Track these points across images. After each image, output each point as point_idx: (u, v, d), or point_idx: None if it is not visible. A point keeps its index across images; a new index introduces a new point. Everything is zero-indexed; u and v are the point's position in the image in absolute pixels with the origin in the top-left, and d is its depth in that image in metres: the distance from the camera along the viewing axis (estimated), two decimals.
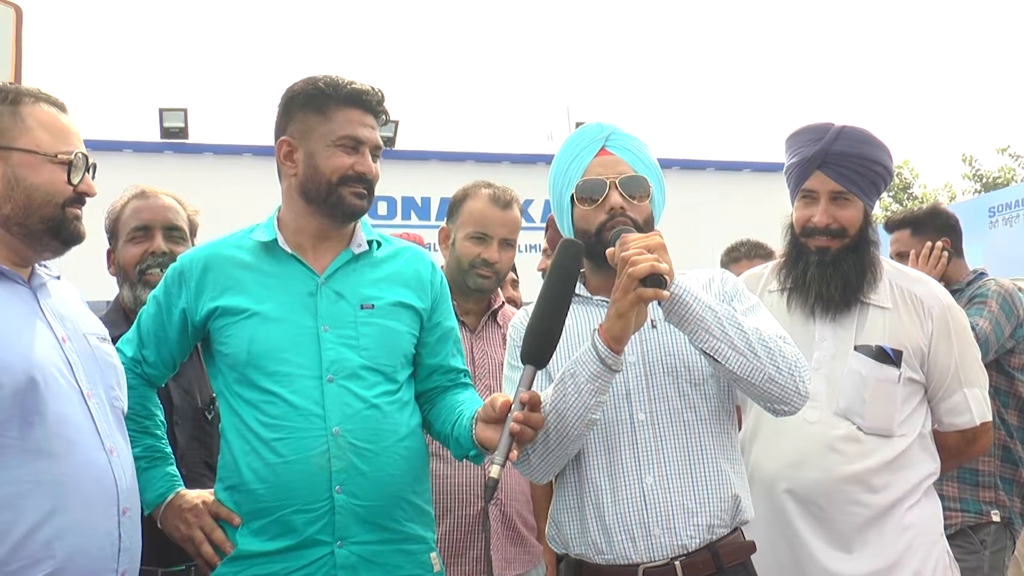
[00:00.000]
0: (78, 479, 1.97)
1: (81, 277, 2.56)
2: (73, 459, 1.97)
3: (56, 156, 2.09)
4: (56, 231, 2.10)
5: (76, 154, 2.11)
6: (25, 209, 2.07)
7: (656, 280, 2.06)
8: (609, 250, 2.20)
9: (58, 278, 2.24)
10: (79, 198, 2.14)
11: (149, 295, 2.52)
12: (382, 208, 12.84)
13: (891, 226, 4.36)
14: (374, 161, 2.42)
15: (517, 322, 2.42)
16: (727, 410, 2.36)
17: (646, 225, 2.32)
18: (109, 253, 2.96)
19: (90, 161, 2.16)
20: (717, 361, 2.18)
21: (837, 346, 2.84)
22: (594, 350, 2.14)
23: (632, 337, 2.20)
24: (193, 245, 2.96)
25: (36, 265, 2.16)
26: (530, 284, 3.80)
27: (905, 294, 2.89)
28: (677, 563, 2.22)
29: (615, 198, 2.30)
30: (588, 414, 2.17)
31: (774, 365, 2.19)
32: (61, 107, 2.17)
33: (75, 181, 2.11)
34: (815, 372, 2.74)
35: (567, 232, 2.41)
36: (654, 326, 2.32)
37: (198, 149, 12.80)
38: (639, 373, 2.30)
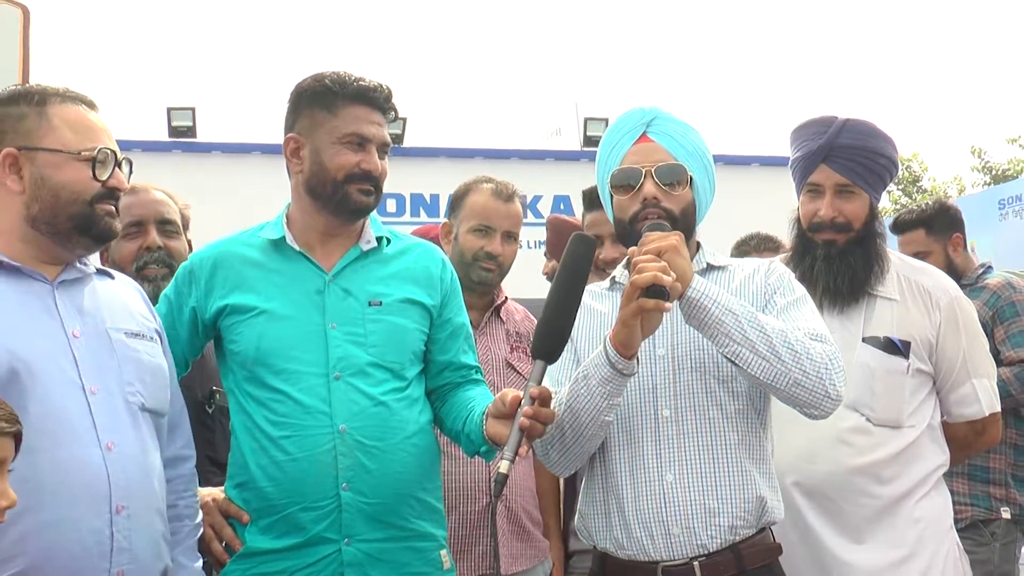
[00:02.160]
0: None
1: None
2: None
3: (80, 153, 2.08)
4: (86, 228, 2.09)
5: (100, 150, 2.10)
6: (52, 208, 2.06)
7: (657, 291, 2.01)
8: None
9: (109, 275, 2.24)
10: (110, 193, 2.12)
11: (161, 293, 2.52)
12: (391, 205, 12.79)
13: (901, 227, 4.23)
14: (382, 158, 2.41)
15: None
16: (756, 408, 2.29)
17: (683, 215, 2.29)
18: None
19: (120, 156, 2.15)
20: (740, 366, 2.14)
21: (845, 338, 2.82)
22: (604, 354, 2.11)
23: (663, 331, 2.18)
24: (186, 239, 2.96)
25: (77, 262, 2.15)
26: (531, 282, 3.79)
27: (913, 285, 2.89)
28: (696, 563, 2.18)
29: (649, 187, 2.27)
30: (600, 416, 2.15)
31: (800, 369, 2.12)
32: (90, 104, 2.16)
33: (102, 177, 2.10)
34: None
35: (610, 219, 2.41)
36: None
37: (206, 148, 12.75)
38: (667, 368, 2.26)
